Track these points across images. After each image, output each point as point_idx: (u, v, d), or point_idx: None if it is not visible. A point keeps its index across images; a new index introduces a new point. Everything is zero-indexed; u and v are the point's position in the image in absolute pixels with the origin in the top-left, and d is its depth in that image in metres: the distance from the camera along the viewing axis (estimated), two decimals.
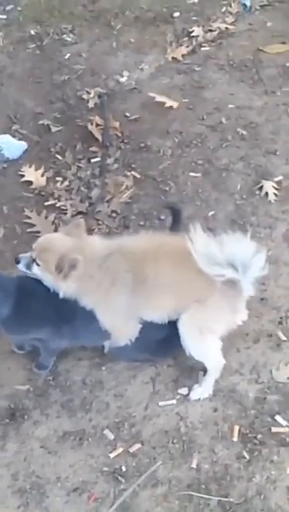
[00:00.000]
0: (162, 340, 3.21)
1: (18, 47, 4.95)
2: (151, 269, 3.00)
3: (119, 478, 2.99)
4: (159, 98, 4.53)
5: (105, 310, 3.10)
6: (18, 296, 3.06)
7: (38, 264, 3.04)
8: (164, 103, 4.50)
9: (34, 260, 3.05)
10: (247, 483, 2.95)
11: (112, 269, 3.03)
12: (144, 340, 3.18)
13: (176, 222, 3.50)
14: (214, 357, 3.18)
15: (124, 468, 3.02)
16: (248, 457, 3.03)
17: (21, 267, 3.10)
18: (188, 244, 2.91)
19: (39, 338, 3.19)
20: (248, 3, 5.24)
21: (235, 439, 3.10)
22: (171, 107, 4.51)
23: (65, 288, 3.01)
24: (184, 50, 4.94)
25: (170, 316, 3.09)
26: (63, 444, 3.10)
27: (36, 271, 3.06)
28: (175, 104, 4.53)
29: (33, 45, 4.96)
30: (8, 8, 5.22)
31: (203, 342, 3.11)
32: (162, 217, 3.92)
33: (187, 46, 4.96)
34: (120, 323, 3.15)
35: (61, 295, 3.04)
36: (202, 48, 4.96)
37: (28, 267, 3.08)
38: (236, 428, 3.12)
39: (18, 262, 3.11)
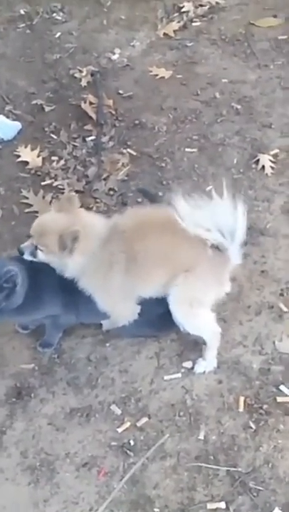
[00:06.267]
0: (163, 315, 3.20)
1: (8, 27, 4.91)
2: (140, 245, 3.00)
3: (128, 452, 3.01)
4: (156, 71, 4.56)
5: (103, 293, 3.10)
6: (29, 279, 3.04)
7: (41, 250, 3.02)
8: (158, 77, 4.51)
9: (36, 247, 3.03)
10: (254, 453, 2.98)
11: (109, 250, 3.02)
12: (145, 316, 3.19)
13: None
14: (209, 328, 3.19)
15: (132, 442, 3.04)
16: (254, 427, 3.06)
17: (27, 256, 3.06)
18: (173, 213, 2.91)
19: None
20: None
21: (241, 409, 3.12)
22: (165, 82, 4.49)
23: (72, 265, 2.99)
24: (175, 25, 4.91)
25: (165, 289, 3.09)
26: (71, 420, 3.12)
27: (42, 256, 3.03)
28: (168, 75, 4.54)
29: (23, 25, 4.92)
30: None
31: (194, 316, 3.11)
32: (160, 193, 3.92)
33: (178, 22, 4.94)
34: (118, 305, 3.16)
35: (68, 274, 3.03)
36: (193, 24, 4.93)
37: (33, 254, 3.05)
38: (242, 399, 3.15)
39: (22, 253, 3.06)
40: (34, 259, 3.06)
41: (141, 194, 3.90)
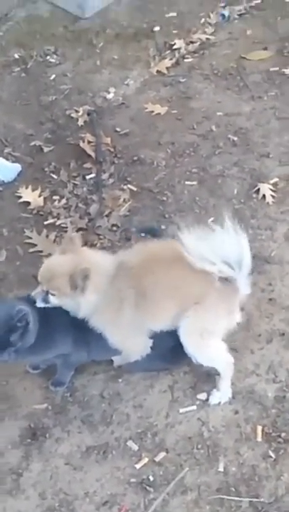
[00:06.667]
0: (175, 348, 3.19)
1: (3, 71, 4.95)
2: (148, 280, 3.00)
3: (148, 488, 2.97)
4: (151, 107, 4.62)
5: (114, 329, 3.09)
6: (39, 319, 3.02)
7: (52, 294, 2.99)
8: (154, 113, 4.58)
9: (47, 292, 3.00)
10: (276, 482, 2.95)
11: (117, 286, 3.02)
12: (156, 350, 3.18)
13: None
14: (221, 358, 3.18)
15: (151, 478, 3.01)
16: (274, 456, 3.03)
17: (39, 303, 3.02)
18: (179, 247, 2.94)
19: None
20: (226, 13, 5.29)
21: (259, 439, 3.10)
22: (161, 118, 4.55)
23: (85, 304, 2.97)
24: (167, 62, 4.96)
25: (176, 322, 3.08)
26: (88, 458, 3.08)
27: (54, 300, 3.00)
28: (163, 111, 4.60)
29: (18, 69, 4.97)
30: None
31: (206, 347, 3.10)
32: (163, 227, 3.94)
33: (170, 59, 5.00)
34: (130, 340, 3.15)
35: (81, 315, 3.01)
36: (185, 60, 4.99)
37: (45, 300, 3.01)
38: (259, 428, 3.13)
39: (34, 301, 3.02)
40: (47, 305, 3.03)
41: (142, 233, 3.92)
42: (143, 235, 3.91)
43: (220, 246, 2.96)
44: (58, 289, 2.97)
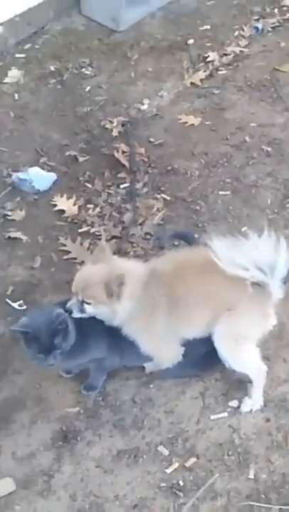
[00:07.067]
0: (206, 355, 3.21)
1: (40, 83, 5.05)
2: (181, 288, 3.02)
3: (178, 492, 2.98)
4: (185, 118, 4.67)
5: (146, 337, 3.12)
6: (75, 324, 3.06)
7: (88, 303, 3.01)
8: (188, 124, 4.63)
9: (83, 301, 3.02)
10: None
11: (150, 294, 3.04)
12: (188, 357, 3.19)
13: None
14: (255, 365, 3.19)
15: (181, 483, 3.01)
16: None
17: (75, 314, 3.04)
18: (211, 254, 2.95)
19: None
20: (260, 26, 5.34)
21: None
22: (194, 129, 4.59)
23: (121, 312, 2.99)
24: (201, 74, 5.02)
25: (209, 328, 3.10)
26: (118, 462, 3.10)
27: (90, 310, 3.02)
28: (197, 122, 4.65)
29: (54, 81, 5.06)
30: (27, 47, 5.33)
31: (240, 352, 3.11)
32: (196, 235, 3.96)
33: (204, 71, 5.05)
34: (162, 348, 3.17)
35: (116, 323, 3.04)
36: (219, 72, 5.05)
37: (81, 310, 3.03)
38: None
39: (70, 312, 3.04)
40: (83, 315, 3.05)
41: (177, 239, 3.94)
42: (176, 243, 3.92)
43: (253, 252, 2.97)
44: (93, 298, 2.99)
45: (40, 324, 2.95)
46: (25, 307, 3.70)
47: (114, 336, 3.11)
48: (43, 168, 4.45)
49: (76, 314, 3.04)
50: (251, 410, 3.23)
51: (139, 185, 4.32)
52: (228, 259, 2.95)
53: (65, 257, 3.95)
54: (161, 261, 3.20)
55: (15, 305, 3.72)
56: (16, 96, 4.96)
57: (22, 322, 2.98)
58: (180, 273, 3.06)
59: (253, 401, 3.23)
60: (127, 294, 2.97)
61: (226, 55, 5.17)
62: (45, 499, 3.00)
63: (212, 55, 5.15)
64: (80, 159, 4.52)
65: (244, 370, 3.19)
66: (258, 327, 3.11)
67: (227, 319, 3.05)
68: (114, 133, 4.67)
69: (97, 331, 3.13)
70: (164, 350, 3.18)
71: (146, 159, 4.47)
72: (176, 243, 3.94)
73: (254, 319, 3.09)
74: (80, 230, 4.09)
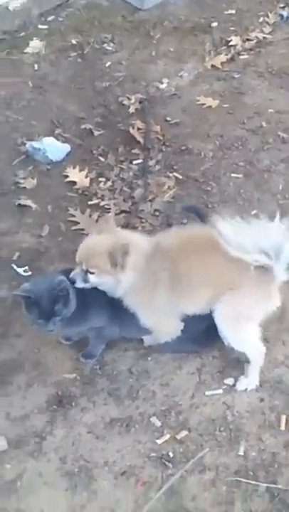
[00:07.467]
0: (206, 331, 3.22)
1: (60, 55, 5.06)
2: (184, 264, 3.03)
3: (167, 463, 3.00)
4: (203, 99, 4.67)
5: (147, 310, 3.13)
6: (76, 292, 3.07)
7: (92, 273, 3.02)
8: (205, 105, 4.62)
9: (87, 271, 3.03)
10: None
11: (153, 268, 3.05)
12: (187, 333, 3.21)
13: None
14: (254, 345, 3.19)
15: (171, 454, 3.04)
16: None
17: (79, 284, 3.04)
18: (216, 235, 2.94)
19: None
20: (285, 14, 5.31)
21: (282, 428, 3.11)
22: (212, 111, 4.59)
23: (125, 281, 3.00)
24: (222, 58, 5.01)
25: (209, 306, 3.11)
26: (111, 430, 3.13)
27: (94, 279, 3.02)
28: (214, 104, 4.64)
29: (75, 54, 5.07)
30: (50, 18, 5.33)
31: (240, 331, 3.12)
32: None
33: (226, 55, 5.04)
34: (162, 322, 3.19)
35: (120, 292, 3.05)
36: (241, 57, 5.03)
37: (85, 280, 3.03)
38: (283, 417, 3.14)
39: (73, 282, 3.05)
40: (86, 285, 3.05)
41: (187, 212, 3.93)
42: (185, 221, 3.93)
43: (259, 235, 2.97)
44: (97, 267, 3.00)
45: (42, 290, 2.97)
46: (30, 273, 3.73)
47: (114, 307, 3.13)
48: (58, 139, 4.46)
49: (80, 284, 3.05)
50: (246, 389, 3.24)
51: (152, 163, 4.32)
52: (233, 242, 2.94)
53: (73, 228, 3.97)
54: (166, 236, 3.21)
55: (20, 270, 3.75)
56: (36, 66, 4.97)
57: (24, 287, 3.00)
58: (184, 249, 3.06)
59: (249, 380, 3.24)
60: (130, 264, 2.98)
61: (248, 40, 5.15)
62: (35, 460, 3.04)
63: (235, 40, 5.13)
64: (96, 133, 4.53)
65: (243, 349, 3.20)
66: (260, 307, 3.11)
67: (229, 297, 3.05)
68: (131, 109, 4.68)
69: (98, 300, 3.15)
70: (163, 324, 3.20)
71: (161, 137, 4.47)
72: (184, 221, 3.95)
73: (256, 300, 3.09)
74: (89, 203, 4.10)
